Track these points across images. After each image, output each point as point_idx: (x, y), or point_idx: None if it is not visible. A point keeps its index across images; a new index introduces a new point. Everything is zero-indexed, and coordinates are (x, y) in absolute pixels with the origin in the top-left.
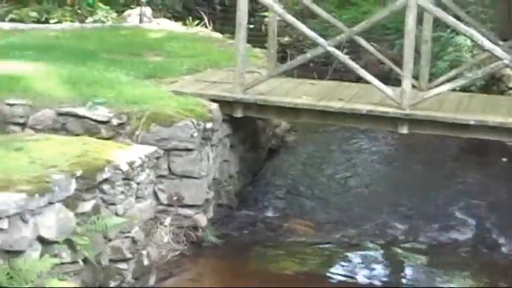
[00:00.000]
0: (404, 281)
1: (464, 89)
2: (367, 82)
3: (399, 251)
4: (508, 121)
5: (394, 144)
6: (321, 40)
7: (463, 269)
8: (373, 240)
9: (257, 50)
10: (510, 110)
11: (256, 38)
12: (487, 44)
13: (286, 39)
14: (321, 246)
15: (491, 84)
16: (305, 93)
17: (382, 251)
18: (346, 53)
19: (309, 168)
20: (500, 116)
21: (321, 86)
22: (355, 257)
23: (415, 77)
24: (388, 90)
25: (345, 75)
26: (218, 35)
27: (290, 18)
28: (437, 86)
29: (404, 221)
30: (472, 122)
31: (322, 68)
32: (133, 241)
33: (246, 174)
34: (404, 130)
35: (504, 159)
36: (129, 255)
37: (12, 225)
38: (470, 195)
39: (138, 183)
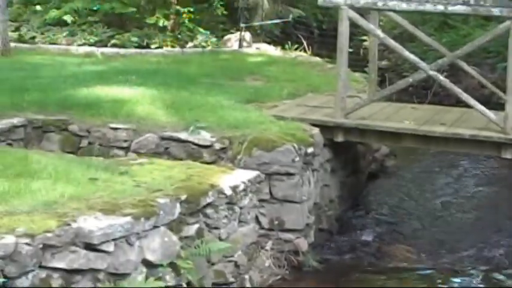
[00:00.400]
0: None
1: None
2: (468, 106)
3: (501, 277)
4: None
5: (497, 167)
6: (422, 64)
7: None
8: (475, 267)
9: (356, 74)
10: None
11: (355, 62)
12: None
13: (385, 63)
14: (422, 272)
15: None
16: (406, 118)
17: (483, 278)
18: (446, 77)
19: (409, 192)
20: None
21: (422, 110)
22: (456, 283)
23: None
24: (491, 114)
25: (445, 99)
26: (317, 59)
27: (392, 42)
28: None
29: (507, 247)
30: None
31: (422, 92)
32: (236, 265)
33: (346, 198)
34: (508, 155)
35: None
36: (231, 279)
37: (118, 248)
38: None
39: (241, 208)
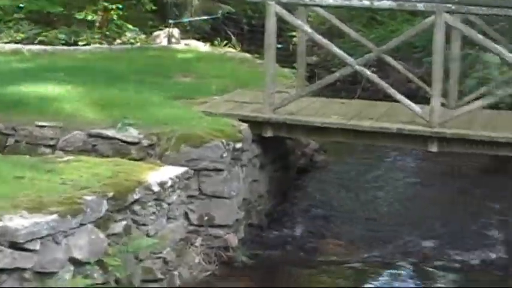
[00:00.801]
0: None
1: (492, 107)
2: (395, 101)
3: (430, 269)
4: None
5: (425, 161)
6: (349, 59)
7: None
8: (404, 259)
9: (286, 70)
10: None
11: (285, 57)
12: None
13: (314, 58)
14: (352, 265)
15: None
16: (335, 113)
17: (413, 270)
18: (374, 72)
19: (339, 187)
20: None
21: (350, 105)
22: (387, 275)
23: (444, 95)
24: (417, 108)
25: (374, 94)
26: (246, 55)
27: (319, 38)
28: (466, 103)
29: (436, 239)
30: (501, 140)
31: (350, 87)
32: (165, 262)
33: (276, 194)
34: (434, 148)
35: None
36: (160, 276)
37: (44, 247)
38: (502, 213)
39: (169, 204)
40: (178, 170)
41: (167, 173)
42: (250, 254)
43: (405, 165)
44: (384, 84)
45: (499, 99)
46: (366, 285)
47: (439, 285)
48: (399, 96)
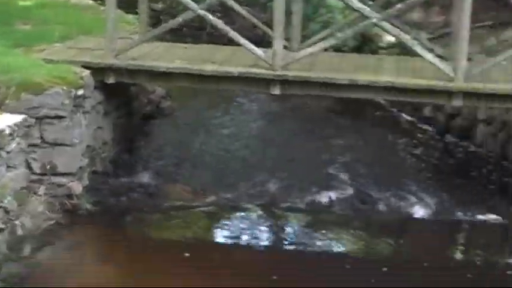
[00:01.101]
0: (286, 241)
1: (337, 50)
2: (240, 45)
3: (278, 211)
4: (377, 79)
5: (273, 105)
6: (192, 4)
7: (343, 227)
8: (252, 201)
9: (130, 16)
10: (379, 69)
11: (128, 4)
12: (356, 3)
13: (160, 5)
14: (201, 209)
15: (363, 44)
16: (178, 57)
17: (261, 212)
18: (219, 18)
19: (185, 132)
20: (370, 75)
21: (193, 49)
22: (235, 219)
23: (288, 39)
24: (260, 51)
25: (219, 39)
26: (90, 2)
27: None
28: (309, 47)
29: (282, 181)
30: (343, 82)
31: (196, 33)
32: (6, 211)
33: (121, 141)
34: (276, 91)
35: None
36: (1, 226)
37: None
38: (346, 153)
39: (8, 152)
40: (17, 118)
41: (5, 121)
42: (95, 202)
43: (252, 109)
44: (224, 27)
45: (341, 42)
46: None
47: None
48: (242, 41)
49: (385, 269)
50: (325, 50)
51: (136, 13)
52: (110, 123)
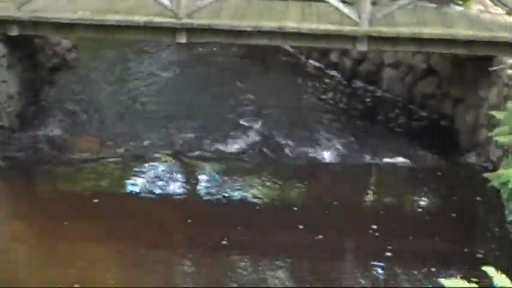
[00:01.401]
0: (200, 190)
1: None
2: None
3: (187, 160)
4: (282, 25)
5: (182, 55)
6: None
7: (253, 174)
8: (160, 151)
9: None
10: (285, 15)
11: None
12: None
13: None
14: (109, 160)
15: None
16: (82, 8)
17: (172, 161)
18: None
19: (92, 84)
20: (275, 21)
21: (98, 0)
22: (146, 169)
23: None
24: (165, 0)
25: None
26: None
27: None
28: None
29: (191, 130)
30: (248, 29)
31: None
32: None
33: (27, 94)
34: (182, 39)
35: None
36: None
37: None
38: (254, 101)
39: None
40: None
41: None
42: (3, 157)
43: (161, 59)
44: None
45: None
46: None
47: None
48: None
49: (295, 208)
50: None
51: None
52: (15, 77)
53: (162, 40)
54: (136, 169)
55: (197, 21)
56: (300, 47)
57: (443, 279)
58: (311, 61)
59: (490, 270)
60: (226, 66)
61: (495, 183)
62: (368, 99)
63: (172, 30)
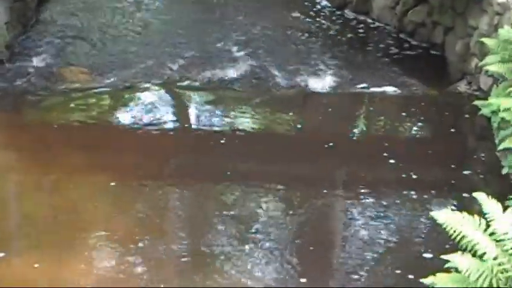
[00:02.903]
0: (191, 119)
1: None
2: None
3: (178, 90)
4: None
5: None
6: None
7: (244, 103)
8: (148, 80)
9: None
10: None
11: None
12: None
13: None
14: (98, 90)
15: None
16: None
17: (161, 91)
18: None
19: (82, 15)
20: None
21: None
22: (136, 99)
23: None
24: None
25: None
26: None
27: None
28: None
29: (179, 60)
30: None
31: None
32: None
33: (16, 24)
34: None
35: None
36: None
37: None
38: (246, 31)
39: None
40: None
41: None
42: None
43: None
44: None
45: None
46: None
47: None
48: None
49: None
50: None
51: None
52: (4, 7)
53: None
54: (125, 99)
55: None
56: None
57: (435, 213)
58: None
59: (480, 196)
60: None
61: (485, 111)
62: (359, 29)
63: None
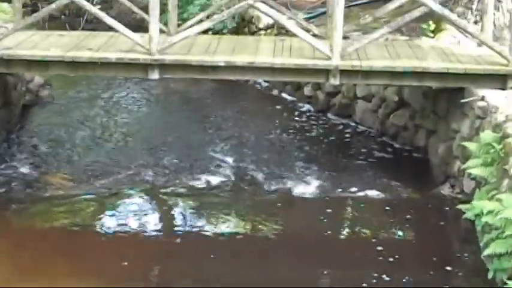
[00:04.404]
0: (176, 225)
1: (216, 33)
2: (117, 31)
3: (162, 196)
4: (254, 60)
5: (155, 90)
6: None
7: (229, 208)
8: (133, 187)
9: (4, 4)
10: (257, 50)
11: None
12: None
13: None
14: (82, 197)
15: (242, 26)
16: (54, 45)
17: (145, 197)
18: (97, 3)
19: (65, 121)
20: (247, 56)
21: (70, 37)
22: (121, 205)
23: (166, 23)
24: (136, 36)
25: (98, 26)
26: None
27: None
28: (186, 30)
29: (161, 167)
30: (221, 64)
31: (76, 20)
32: None
33: (0, 131)
34: (155, 75)
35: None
36: None
37: None
38: (227, 136)
39: None
40: None
41: None
42: None
43: (134, 94)
44: (100, 13)
45: (220, 25)
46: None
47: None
48: (118, 26)
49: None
50: (205, 33)
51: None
52: None
53: (134, 76)
54: (110, 206)
55: (169, 57)
56: (274, 82)
57: None
58: (284, 95)
59: None
60: (200, 102)
61: (469, 215)
62: (341, 132)
63: (145, 67)
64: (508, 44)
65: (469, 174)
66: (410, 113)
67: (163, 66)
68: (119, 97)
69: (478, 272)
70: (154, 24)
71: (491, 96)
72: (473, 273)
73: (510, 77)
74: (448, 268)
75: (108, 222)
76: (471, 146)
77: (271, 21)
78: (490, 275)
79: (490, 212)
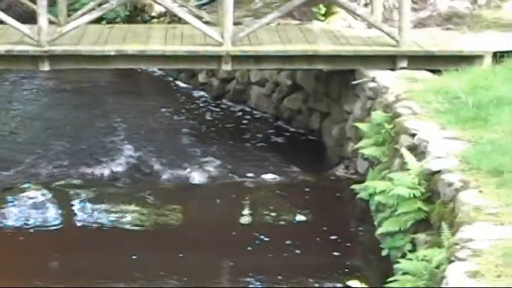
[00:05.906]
0: (76, 219)
1: (109, 22)
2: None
3: (58, 189)
4: (146, 48)
5: (47, 82)
6: None
7: (127, 199)
8: (27, 181)
9: None
10: (149, 38)
11: None
12: None
13: None
14: None
15: (136, 15)
16: None
17: (42, 191)
18: None
19: None
20: (139, 44)
21: None
22: (17, 201)
23: (57, 15)
24: (25, 28)
25: None
26: None
27: None
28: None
29: (57, 159)
30: (112, 53)
31: None
32: None
33: None
34: (45, 67)
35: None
36: None
37: None
38: (122, 126)
39: None
40: None
41: None
42: None
43: (26, 86)
44: None
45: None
46: None
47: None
48: (5, 18)
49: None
50: (98, 22)
51: None
52: None
53: (25, 68)
54: (5, 201)
55: (59, 48)
56: (168, 69)
57: None
58: (179, 82)
59: (354, 283)
60: (95, 93)
61: (363, 195)
62: (237, 118)
63: (35, 58)
64: (397, 25)
65: (362, 154)
66: (304, 96)
67: (53, 58)
68: (9, 90)
69: (374, 251)
70: (42, 15)
71: (382, 77)
72: (369, 251)
73: (399, 57)
74: (343, 248)
75: (4, 217)
76: (363, 126)
77: (163, 10)
78: (384, 253)
79: (382, 191)
